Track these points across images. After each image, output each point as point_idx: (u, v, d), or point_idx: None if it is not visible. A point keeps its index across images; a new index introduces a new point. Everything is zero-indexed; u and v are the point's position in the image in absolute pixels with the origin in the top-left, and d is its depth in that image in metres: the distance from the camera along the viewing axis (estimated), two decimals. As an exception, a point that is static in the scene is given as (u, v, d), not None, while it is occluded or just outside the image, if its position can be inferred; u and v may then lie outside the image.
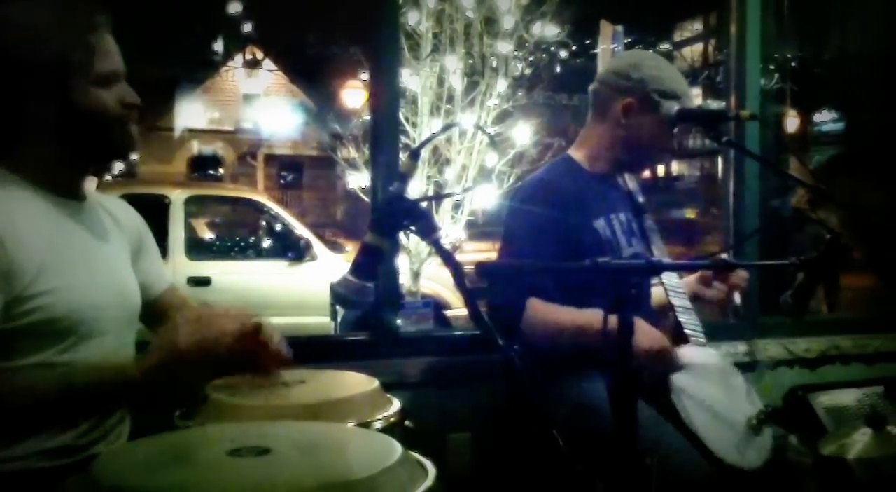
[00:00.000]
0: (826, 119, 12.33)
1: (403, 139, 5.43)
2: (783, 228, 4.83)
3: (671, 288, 2.18)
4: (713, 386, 2.06)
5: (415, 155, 1.53)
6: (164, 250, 6.08)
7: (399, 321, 2.67)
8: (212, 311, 1.39)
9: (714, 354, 2.16)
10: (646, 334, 1.92)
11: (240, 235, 7.90)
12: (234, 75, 20.49)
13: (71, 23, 1.46)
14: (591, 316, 1.89)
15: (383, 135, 2.66)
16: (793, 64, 10.02)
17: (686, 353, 2.04)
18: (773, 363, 2.90)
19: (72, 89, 1.45)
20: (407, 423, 1.57)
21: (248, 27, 15.36)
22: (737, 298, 2.22)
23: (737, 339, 2.85)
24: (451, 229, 6.10)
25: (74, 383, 1.36)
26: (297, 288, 6.24)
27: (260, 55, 20.27)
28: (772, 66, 7.81)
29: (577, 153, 2.25)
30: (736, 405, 2.06)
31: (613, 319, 1.42)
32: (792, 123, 10.80)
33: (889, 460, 2.00)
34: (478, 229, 6.56)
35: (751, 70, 3.00)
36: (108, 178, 7.50)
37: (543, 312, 2.00)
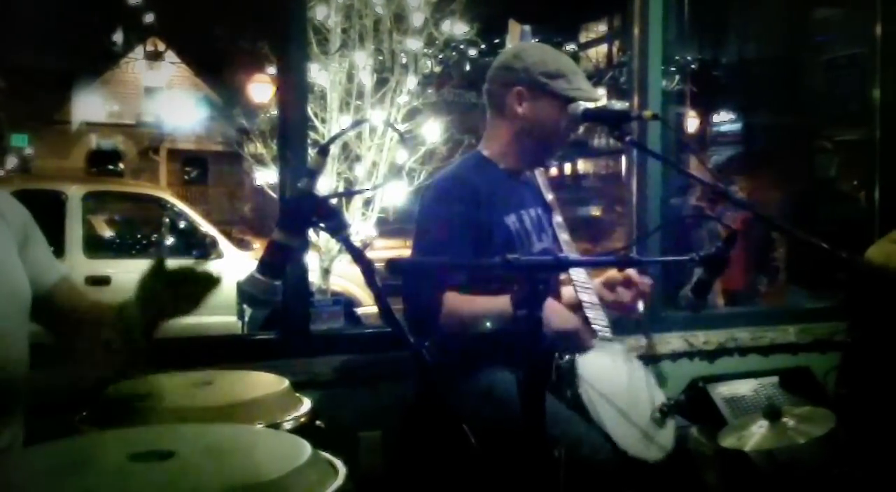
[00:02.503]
0: (724, 120, 12.82)
1: (312, 135, 5.40)
2: (683, 224, 4.99)
3: (579, 284, 2.22)
4: (619, 379, 2.11)
5: (324, 151, 1.51)
6: (60, 248, 5.89)
7: (309, 320, 2.64)
8: None
9: (619, 349, 2.22)
10: (558, 314, 2.00)
11: (141, 232, 7.65)
12: (135, 67, 19.83)
13: None
14: (506, 301, 1.92)
15: (291, 130, 2.62)
16: (693, 66, 10.40)
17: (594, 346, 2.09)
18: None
19: None
20: (318, 422, 1.56)
21: (149, 18, 14.90)
22: (640, 305, 2.27)
23: (639, 333, 2.93)
24: (361, 226, 6.08)
25: None
26: (203, 287, 6.09)
27: (162, 47, 19.68)
28: (673, 69, 8.10)
29: (486, 150, 2.26)
30: (640, 398, 2.12)
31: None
32: (692, 123, 11.22)
33: (784, 450, 2.10)
34: (388, 226, 6.55)
35: (653, 72, 3.09)
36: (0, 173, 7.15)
37: (460, 303, 2.02)
